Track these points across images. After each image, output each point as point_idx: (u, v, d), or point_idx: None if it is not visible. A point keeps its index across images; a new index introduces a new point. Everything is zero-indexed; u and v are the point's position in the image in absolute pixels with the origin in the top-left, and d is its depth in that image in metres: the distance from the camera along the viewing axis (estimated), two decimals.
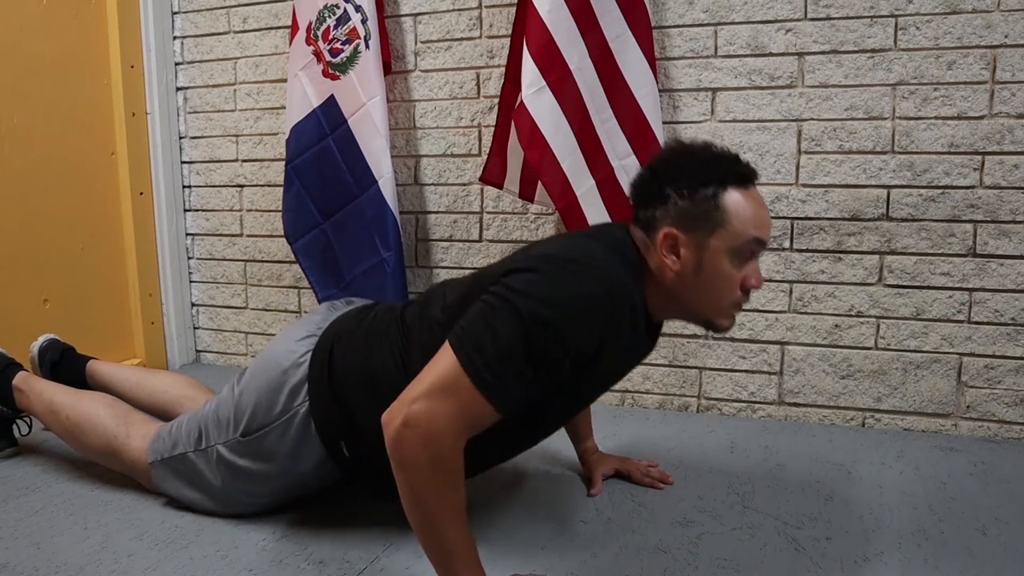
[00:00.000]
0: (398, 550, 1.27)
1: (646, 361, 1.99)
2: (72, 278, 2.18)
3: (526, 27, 1.77)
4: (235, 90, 2.36)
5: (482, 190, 2.09)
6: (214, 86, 2.38)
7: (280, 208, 2.17)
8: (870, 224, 1.79)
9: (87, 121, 2.21)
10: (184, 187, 2.47)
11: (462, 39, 2.07)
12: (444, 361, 1.02)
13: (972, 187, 1.72)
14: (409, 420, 0.98)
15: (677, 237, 1.08)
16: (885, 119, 1.76)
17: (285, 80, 2.18)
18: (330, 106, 2.04)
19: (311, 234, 2.11)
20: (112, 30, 2.23)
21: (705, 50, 1.86)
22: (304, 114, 2.07)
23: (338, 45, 2.02)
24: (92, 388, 1.71)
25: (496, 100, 1.99)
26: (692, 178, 1.08)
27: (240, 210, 2.41)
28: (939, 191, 1.74)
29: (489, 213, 2.11)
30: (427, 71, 2.12)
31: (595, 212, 1.84)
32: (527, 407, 1.06)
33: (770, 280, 1.88)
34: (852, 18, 1.75)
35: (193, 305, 2.53)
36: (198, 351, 2.55)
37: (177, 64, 2.41)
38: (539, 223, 2.06)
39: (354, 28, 1.99)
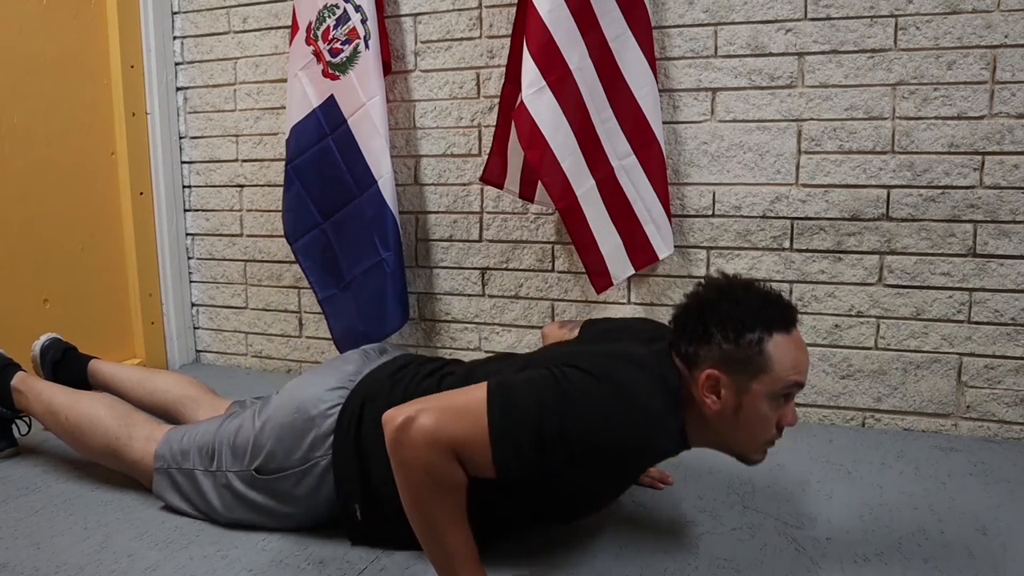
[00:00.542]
0: (398, 550, 1.27)
1: None
2: (72, 278, 2.18)
3: (526, 27, 1.77)
4: (235, 90, 2.36)
5: (482, 190, 2.09)
6: (214, 86, 2.38)
7: (280, 208, 2.17)
8: (870, 224, 1.79)
9: (87, 121, 2.21)
10: (184, 187, 2.47)
11: (462, 39, 2.07)
12: (473, 394, 1.03)
13: (972, 187, 1.72)
14: (411, 422, 0.99)
15: (719, 379, 1.08)
16: (885, 119, 1.75)
17: (285, 80, 2.18)
18: (330, 106, 2.04)
19: (311, 234, 2.11)
20: (112, 30, 2.23)
21: (705, 50, 1.86)
22: (304, 114, 2.07)
23: (338, 45, 2.01)
24: (94, 387, 1.71)
25: (496, 100, 1.99)
26: (738, 322, 1.07)
27: (240, 210, 2.41)
28: (939, 191, 1.74)
29: (489, 213, 2.11)
30: (427, 71, 2.12)
31: (595, 212, 1.84)
32: (536, 489, 1.09)
33: (770, 280, 1.88)
34: (852, 18, 1.75)
35: (193, 305, 2.53)
36: (198, 351, 2.55)
37: (177, 64, 2.41)
38: (539, 223, 2.06)
39: (354, 28, 1.99)
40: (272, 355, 2.44)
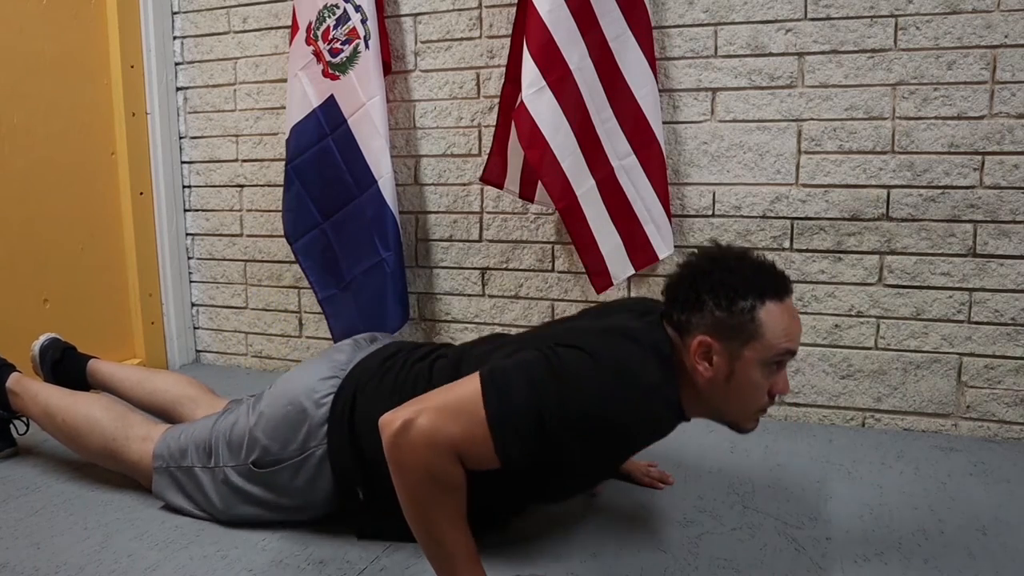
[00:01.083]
0: (398, 550, 1.27)
1: None
2: (72, 278, 2.18)
3: (526, 27, 1.77)
4: (235, 90, 2.36)
5: (482, 190, 2.09)
6: (214, 86, 2.38)
7: (280, 208, 2.17)
8: (870, 224, 1.79)
9: (87, 121, 2.21)
10: (184, 187, 2.47)
11: (462, 39, 2.07)
12: (467, 387, 1.03)
13: (972, 187, 1.72)
14: (409, 425, 0.99)
15: (711, 345, 1.09)
16: (885, 119, 1.75)
17: (285, 80, 2.18)
18: (330, 106, 2.04)
19: (311, 234, 2.11)
20: (112, 30, 2.23)
21: (705, 50, 1.86)
22: (304, 114, 2.07)
23: (338, 45, 2.01)
24: (93, 387, 1.71)
25: (496, 100, 1.99)
26: (731, 290, 1.08)
27: (240, 210, 2.41)
28: (939, 191, 1.74)
29: (489, 213, 2.11)
30: (427, 71, 2.12)
31: (595, 212, 1.84)
32: (538, 470, 1.08)
33: None
34: (852, 18, 1.75)
35: (193, 305, 2.53)
36: (198, 351, 2.55)
37: (177, 64, 2.41)
38: (539, 223, 2.06)
39: (354, 28, 1.99)
40: (272, 355, 2.44)
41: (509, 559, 1.22)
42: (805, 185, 1.83)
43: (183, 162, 2.45)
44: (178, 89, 2.42)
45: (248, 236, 2.41)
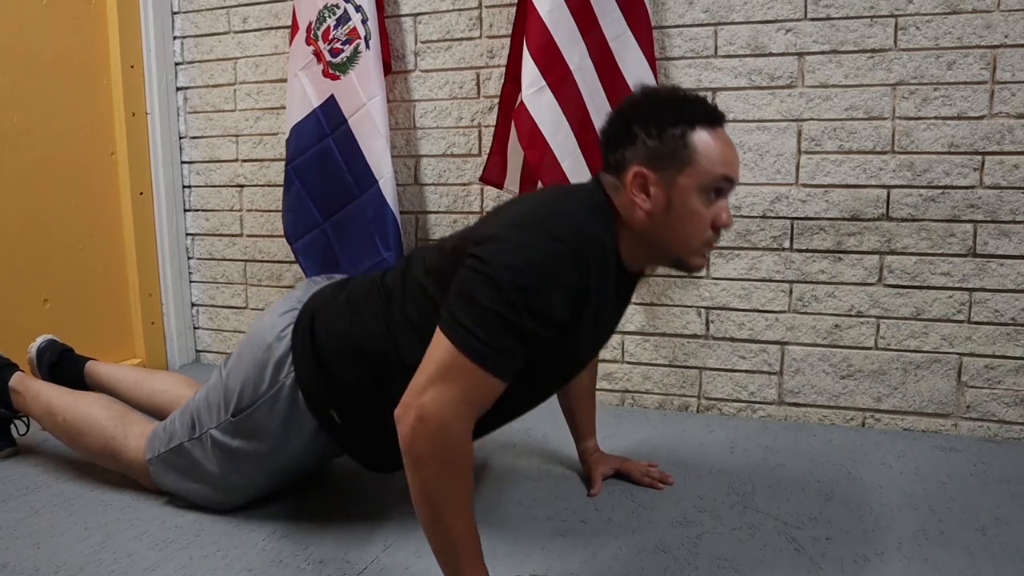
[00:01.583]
0: (398, 550, 1.27)
1: (646, 361, 2.00)
2: (72, 278, 2.18)
3: (526, 27, 1.77)
4: (235, 90, 2.36)
5: (482, 190, 2.09)
6: (214, 86, 2.38)
7: (280, 208, 2.17)
8: (870, 224, 1.79)
9: (87, 121, 2.21)
10: (184, 187, 2.47)
11: (462, 39, 2.07)
12: (440, 347, 1.03)
13: (972, 187, 1.72)
14: (422, 415, 0.99)
15: (647, 176, 1.10)
16: (885, 119, 1.76)
17: (285, 80, 2.18)
18: (330, 106, 2.04)
19: (311, 234, 2.11)
20: (112, 30, 2.23)
21: (705, 50, 1.86)
22: (304, 114, 2.07)
23: (338, 45, 2.02)
24: (91, 389, 1.71)
25: (496, 100, 1.99)
26: (661, 118, 1.09)
27: (240, 210, 2.41)
28: (939, 191, 1.74)
29: None
30: (427, 71, 2.12)
31: None
32: (522, 374, 1.07)
33: (770, 280, 1.88)
34: (852, 18, 1.75)
35: (193, 305, 2.53)
36: (198, 351, 2.55)
37: (177, 64, 2.41)
38: None
39: (354, 28, 1.99)
40: None
41: (509, 559, 1.23)
42: (805, 185, 1.83)
43: (183, 162, 2.45)
44: (178, 89, 2.42)
45: (248, 236, 2.41)
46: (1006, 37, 1.66)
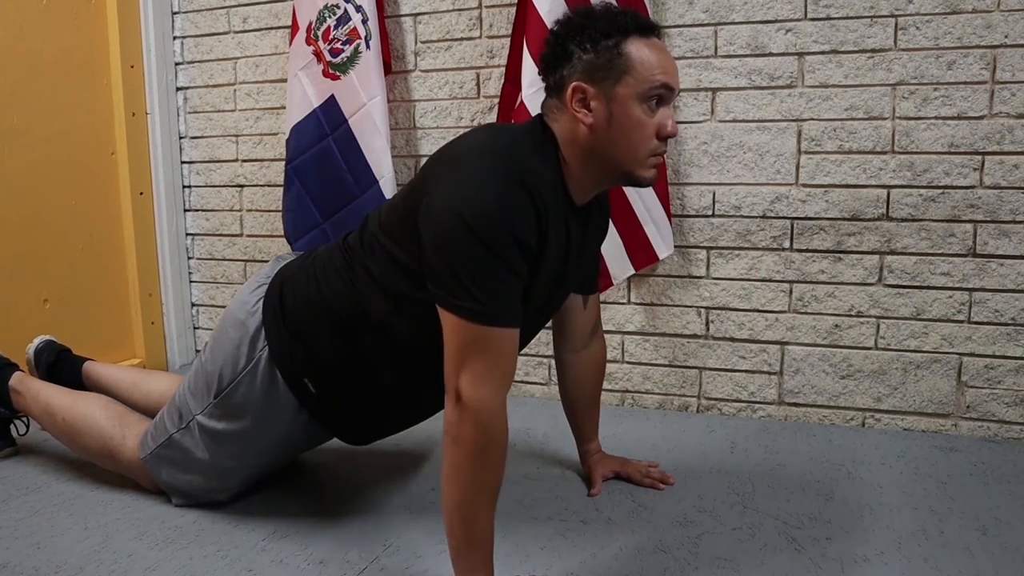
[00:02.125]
0: (398, 550, 1.27)
1: (646, 361, 2.00)
2: (72, 278, 2.18)
3: (526, 27, 1.77)
4: (235, 90, 2.36)
5: None
6: (214, 86, 2.38)
7: (280, 208, 2.17)
8: (870, 224, 1.79)
9: (87, 121, 2.21)
10: (184, 187, 2.47)
11: (462, 39, 2.07)
12: (448, 325, 1.04)
13: (972, 187, 1.72)
14: (464, 399, 1.00)
15: (586, 90, 1.11)
16: (885, 119, 1.76)
17: (285, 80, 2.18)
18: (330, 106, 2.04)
19: (311, 234, 2.11)
20: (112, 30, 2.23)
21: (705, 50, 1.86)
22: (304, 114, 2.07)
23: (338, 45, 2.02)
24: (88, 389, 1.71)
25: (496, 100, 1.99)
26: (594, 31, 1.10)
27: (240, 210, 2.41)
28: (939, 191, 1.74)
29: None
30: (427, 71, 2.12)
31: None
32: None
33: (770, 280, 1.88)
34: (852, 18, 1.75)
35: (193, 305, 2.53)
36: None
37: (177, 64, 2.41)
38: None
39: (354, 28, 1.99)
40: None
41: (509, 559, 1.23)
42: (805, 185, 1.83)
43: (183, 162, 2.45)
44: (178, 89, 2.42)
45: (248, 236, 2.41)
46: (1006, 37, 1.66)
